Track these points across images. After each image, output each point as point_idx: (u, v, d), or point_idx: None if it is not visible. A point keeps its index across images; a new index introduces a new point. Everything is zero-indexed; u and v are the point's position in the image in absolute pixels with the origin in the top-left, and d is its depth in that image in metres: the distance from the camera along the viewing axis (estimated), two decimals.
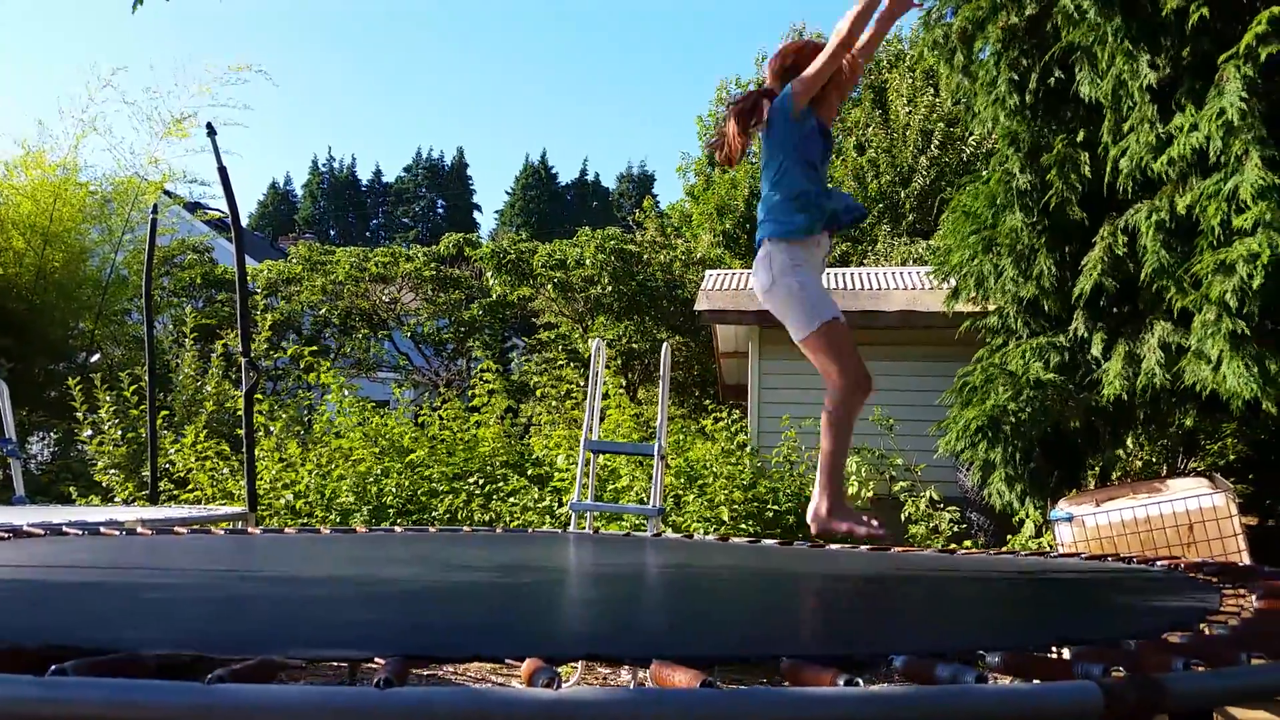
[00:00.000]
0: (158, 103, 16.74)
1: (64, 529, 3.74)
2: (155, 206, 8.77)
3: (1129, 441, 6.59)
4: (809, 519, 2.98)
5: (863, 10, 2.83)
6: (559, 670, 1.30)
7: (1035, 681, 1.41)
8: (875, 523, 2.86)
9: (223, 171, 5.95)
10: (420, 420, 8.21)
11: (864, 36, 2.93)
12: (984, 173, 6.49)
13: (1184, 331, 5.18)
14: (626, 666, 4.23)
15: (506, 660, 1.48)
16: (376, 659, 1.38)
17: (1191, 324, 5.06)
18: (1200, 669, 1.41)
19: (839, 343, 2.85)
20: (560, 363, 12.02)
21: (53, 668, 1.19)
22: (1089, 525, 5.04)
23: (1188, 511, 4.85)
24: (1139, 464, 7.24)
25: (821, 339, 2.84)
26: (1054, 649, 1.67)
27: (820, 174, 2.97)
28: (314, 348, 10.83)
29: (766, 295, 2.93)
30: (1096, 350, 5.60)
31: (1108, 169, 5.46)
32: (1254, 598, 2.23)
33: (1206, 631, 1.91)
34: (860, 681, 1.21)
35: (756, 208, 3.06)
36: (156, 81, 20.94)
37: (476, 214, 67.01)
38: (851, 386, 2.85)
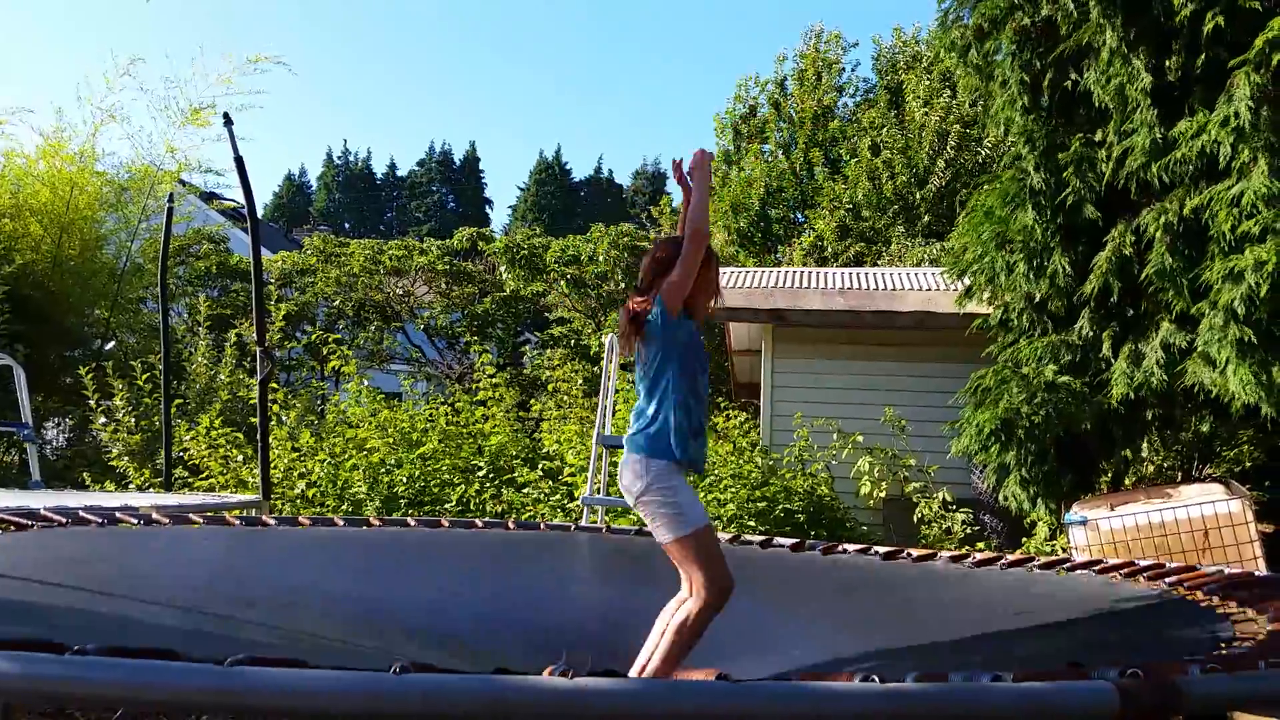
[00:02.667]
0: (175, 92, 16.79)
1: (81, 514, 3.76)
2: (171, 196, 8.82)
3: (1143, 446, 6.56)
4: None
5: (703, 200, 2.89)
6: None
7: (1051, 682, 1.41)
8: None
9: (239, 161, 5.96)
10: (429, 414, 8.22)
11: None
12: (1001, 174, 6.47)
13: (1187, 333, 5.17)
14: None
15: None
16: (393, 671, 1.39)
17: (1197, 326, 5.05)
18: (1216, 672, 1.41)
19: (707, 549, 2.80)
20: (572, 357, 12.05)
21: (74, 648, 1.20)
22: (1103, 529, 5.02)
23: (1203, 517, 4.83)
24: (1152, 469, 7.21)
25: (690, 545, 2.79)
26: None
27: (701, 390, 2.96)
28: (336, 336, 10.86)
29: (637, 500, 2.90)
30: (1106, 350, 5.59)
31: (1109, 169, 5.45)
32: (1265, 620, 2.21)
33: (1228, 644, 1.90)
34: (876, 679, 1.21)
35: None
36: (174, 71, 21.05)
37: (488, 209, 67.06)
38: (712, 597, 2.75)
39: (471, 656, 2.22)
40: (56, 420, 10.87)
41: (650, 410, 2.90)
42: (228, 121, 5.95)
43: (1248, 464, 7.47)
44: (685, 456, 2.85)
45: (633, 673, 2.71)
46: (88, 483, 8.28)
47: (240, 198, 6.21)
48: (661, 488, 2.82)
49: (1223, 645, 1.98)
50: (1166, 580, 3.08)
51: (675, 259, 2.90)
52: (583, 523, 5.43)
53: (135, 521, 3.89)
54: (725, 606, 2.73)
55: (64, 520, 3.67)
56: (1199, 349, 4.94)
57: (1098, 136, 5.66)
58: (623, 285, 13.63)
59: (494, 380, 8.42)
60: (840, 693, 1.19)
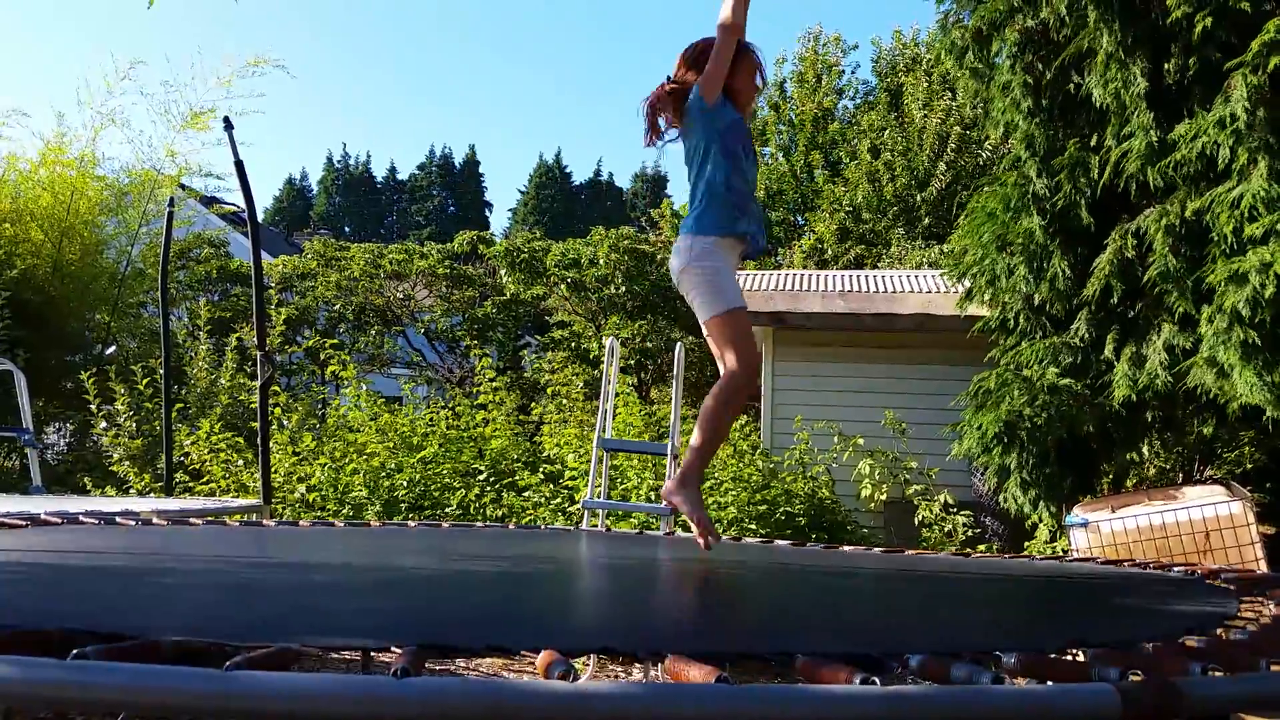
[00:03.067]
0: (175, 96, 16.84)
1: (81, 518, 3.76)
2: (171, 200, 8.82)
3: (1145, 448, 6.56)
4: (663, 490, 3.08)
5: None
6: (573, 664, 1.30)
7: (1051, 684, 1.41)
8: (707, 540, 2.96)
9: (239, 165, 5.96)
10: (430, 418, 8.23)
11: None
12: (1002, 176, 6.48)
13: (1189, 334, 5.18)
14: (639, 665, 4.23)
15: (522, 653, 1.49)
16: (392, 648, 1.39)
17: (1198, 328, 5.06)
18: (1218, 674, 1.40)
19: (739, 330, 2.92)
20: (571, 360, 12.04)
21: (74, 652, 1.20)
22: (1104, 531, 5.02)
23: (1204, 519, 4.82)
24: (1154, 471, 7.21)
25: (725, 323, 2.90)
26: (1071, 651, 1.67)
27: (745, 170, 3.01)
28: (334, 340, 10.86)
29: (679, 276, 3.00)
30: (1108, 352, 5.60)
31: (1107, 173, 5.47)
32: (1272, 605, 2.22)
33: (1224, 636, 1.90)
34: (877, 680, 1.21)
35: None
36: (174, 75, 21.06)
37: (488, 212, 67.16)
38: (742, 374, 2.89)
39: (470, 655, 2.22)
40: (57, 425, 10.88)
41: (695, 193, 2.97)
42: (228, 125, 5.95)
43: (1249, 466, 7.48)
44: (728, 231, 2.91)
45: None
46: (88, 487, 8.29)
47: (240, 202, 6.22)
48: (701, 265, 2.90)
49: (1226, 621, 1.98)
50: (1176, 569, 3.08)
51: (709, 52, 2.94)
52: (583, 526, 5.43)
53: (135, 524, 3.89)
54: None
55: (62, 523, 3.67)
56: (1204, 352, 4.95)
57: (1094, 141, 5.68)
58: (623, 288, 13.65)
59: (494, 384, 8.42)
60: (840, 695, 1.19)
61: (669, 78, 3.10)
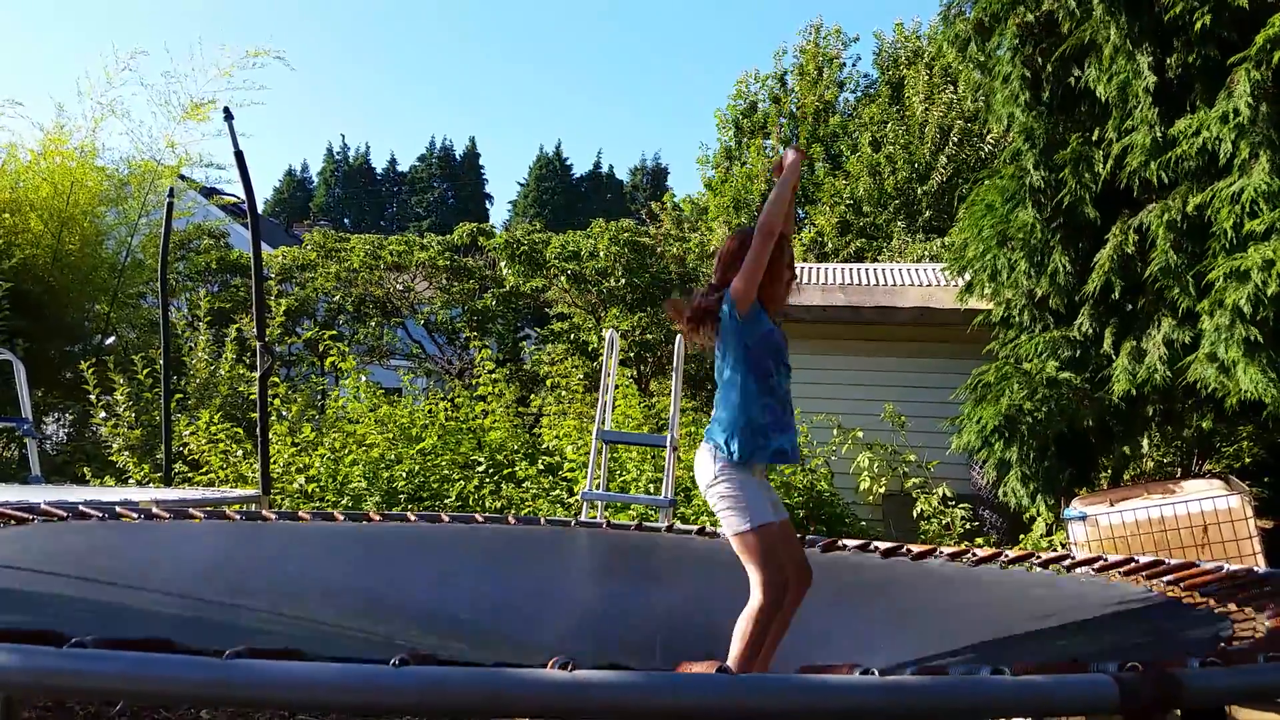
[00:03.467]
0: (175, 86, 16.77)
1: (81, 508, 3.76)
2: (171, 190, 8.80)
3: (1144, 442, 6.56)
4: None
5: (782, 196, 2.85)
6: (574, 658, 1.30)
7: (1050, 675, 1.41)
8: None
9: (239, 156, 5.95)
10: (429, 409, 8.22)
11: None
12: (1001, 169, 6.47)
13: (1188, 329, 5.18)
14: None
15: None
16: (392, 663, 1.39)
17: (1198, 323, 5.06)
18: (1215, 666, 1.40)
19: (764, 549, 2.78)
20: (571, 353, 12.03)
21: (72, 640, 1.20)
22: (1103, 524, 5.02)
23: (1203, 513, 4.83)
24: (1152, 465, 7.21)
25: (750, 541, 2.78)
26: None
27: (777, 387, 2.95)
28: (332, 332, 10.85)
29: (707, 489, 2.90)
30: (1107, 346, 5.60)
31: (1109, 167, 5.45)
32: (1264, 618, 2.20)
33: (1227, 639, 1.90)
34: (876, 671, 1.21)
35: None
36: (173, 65, 20.99)
37: (488, 204, 67.10)
38: (765, 598, 2.75)
39: (471, 647, 2.22)
40: (56, 415, 10.86)
41: (723, 407, 2.91)
42: (228, 116, 5.93)
43: (1247, 460, 7.48)
44: (751, 457, 2.84)
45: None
46: (88, 478, 8.28)
47: (240, 192, 6.21)
48: (726, 482, 2.83)
49: (1222, 644, 1.98)
50: (1165, 579, 3.08)
51: (743, 253, 2.86)
52: (582, 518, 5.43)
53: (135, 516, 3.89)
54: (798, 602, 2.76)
55: (64, 515, 3.67)
56: (1205, 348, 4.95)
57: (1096, 135, 5.66)
58: (623, 280, 13.62)
59: (493, 375, 8.41)
60: (839, 685, 1.19)
61: (711, 284, 3.02)
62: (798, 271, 3.09)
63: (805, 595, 2.84)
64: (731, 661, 2.71)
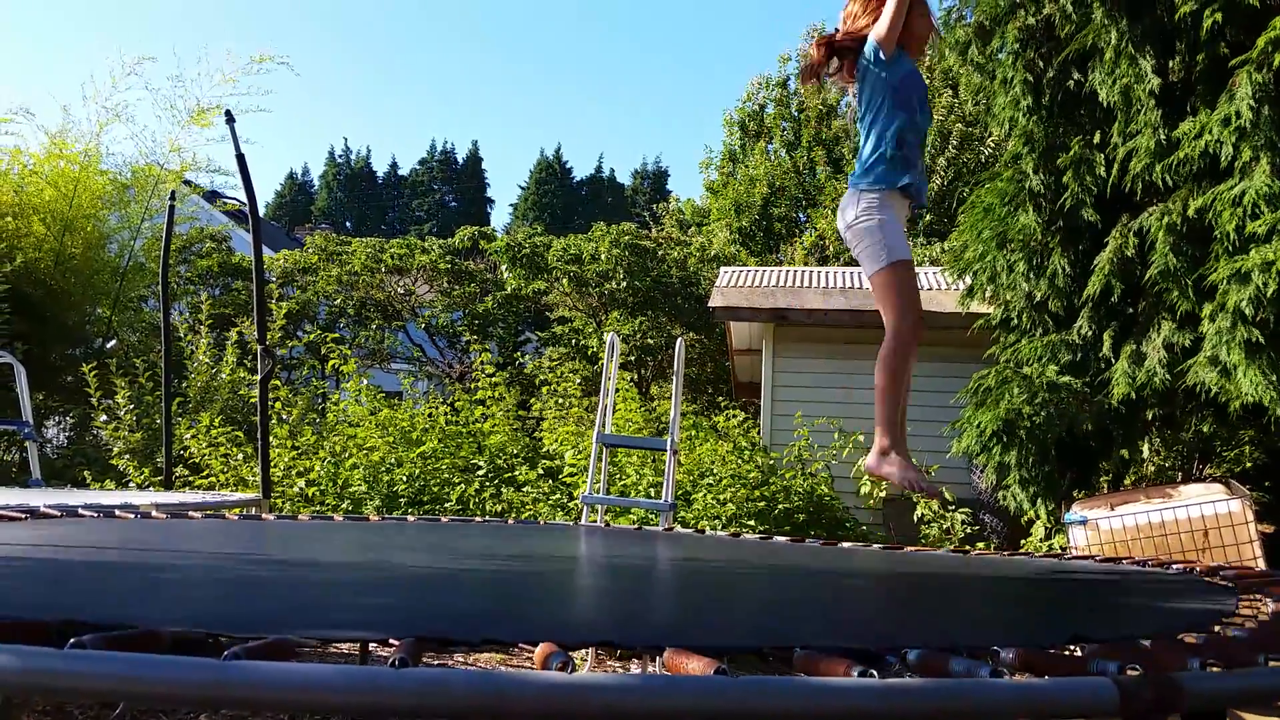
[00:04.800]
0: (180, 91, 16.78)
1: (80, 511, 3.76)
2: (173, 194, 8.81)
3: (1144, 446, 6.56)
4: (865, 465, 3.03)
5: None
6: (572, 657, 1.30)
7: (1049, 678, 1.41)
8: (924, 485, 2.85)
9: (241, 159, 5.96)
10: (429, 413, 8.22)
11: None
12: (1001, 171, 6.48)
13: (1188, 332, 5.18)
14: (636, 661, 4.23)
15: (520, 645, 1.49)
16: (391, 640, 1.39)
17: (1200, 326, 5.06)
18: (1217, 669, 1.40)
19: (902, 285, 2.88)
20: (571, 356, 12.04)
21: (71, 641, 1.19)
22: (1103, 528, 5.02)
23: (1203, 517, 4.82)
24: (1152, 469, 7.21)
25: (887, 277, 2.87)
26: (1069, 648, 1.67)
27: (920, 125, 2.97)
28: (335, 335, 10.84)
29: (848, 230, 2.96)
30: (1107, 350, 5.60)
31: (1115, 171, 5.46)
32: (1270, 602, 2.22)
33: (1222, 633, 1.89)
34: (875, 674, 1.21)
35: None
36: (179, 69, 21.10)
37: (489, 208, 67.18)
38: (903, 331, 2.90)
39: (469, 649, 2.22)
40: (57, 419, 10.87)
41: (866, 146, 2.94)
42: (230, 119, 5.94)
43: (1248, 464, 7.48)
44: (895, 184, 2.87)
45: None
46: (88, 481, 8.29)
47: (242, 196, 6.21)
48: (868, 219, 2.87)
49: (1221, 620, 1.98)
50: (1173, 567, 3.08)
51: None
52: (582, 522, 5.43)
53: (133, 518, 3.89)
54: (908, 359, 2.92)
55: (60, 516, 3.67)
56: (1206, 351, 4.95)
57: (1097, 138, 5.66)
58: (624, 284, 13.64)
59: (493, 380, 8.42)
60: (838, 688, 1.19)
61: (838, 27, 3.05)
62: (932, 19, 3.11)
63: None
64: (878, 392, 2.90)
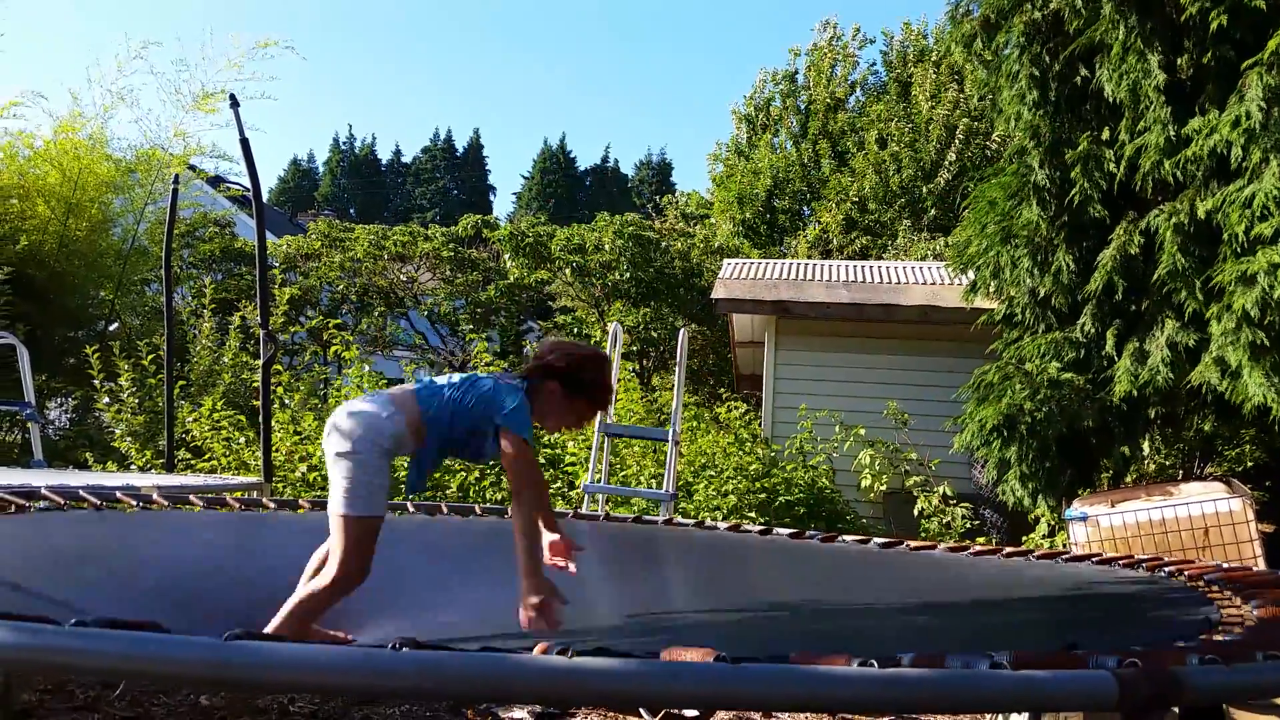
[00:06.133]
0: (185, 76, 16.76)
1: (81, 493, 3.77)
2: (177, 177, 8.79)
3: (1145, 444, 6.56)
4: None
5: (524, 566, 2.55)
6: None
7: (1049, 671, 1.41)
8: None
9: (245, 143, 5.95)
10: None
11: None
12: (1005, 166, 6.46)
13: (1193, 332, 5.17)
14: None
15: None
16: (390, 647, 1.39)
17: (1206, 327, 5.05)
18: (1215, 664, 1.40)
19: (361, 540, 2.59)
20: None
21: (73, 619, 1.20)
22: (1104, 526, 5.02)
23: (1204, 515, 4.82)
24: (1153, 467, 7.21)
25: (351, 527, 2.59)
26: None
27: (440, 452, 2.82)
28: (338, 321, 10.85)
29: (334, 441, 2.68)
30: (1110, 347, 5.59)
31: (1123, 168, 5.44)
32: (1251, 607, 2.20)
33: (1214, 640, 1.90)
34: (875, 663, 1.21)
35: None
36: (184, 54, 21.06)
37: (491, 196, 67.12)
38: (334, 580, 2.57)
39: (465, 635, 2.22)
40: (59, 400, 10.89)
41: (448, 408, 2.73)
42: (234, 103, 5.93)
43: (1249, 463, 7.47)
44: (409, 470, 2.77)
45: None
46: (89, 463, 8.29)
47: (246, 181, 6.20)
48: (367, 453, 2.64)
49: (1214, 628, 1.98)
50: (1165, 569, 3.08)
51: (577, 373, 2.75)
52: (582, 510, 5.43)
53: (134, 504, 3.89)
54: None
55: (62, 501, 3.67)
56: (1213, 351, 4.94)
57: (1105, 134, 5.64)
58: (627, 274, 13.62)
59: (491, 369, 8.42)
60: (838, 676, 1.19)
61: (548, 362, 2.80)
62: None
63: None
64: (278, 624, 2.54)
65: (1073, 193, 5.64)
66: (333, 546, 2.60)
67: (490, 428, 2.67)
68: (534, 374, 2.77)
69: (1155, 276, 5.28)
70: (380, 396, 2.75)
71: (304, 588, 2.66)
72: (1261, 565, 4.61)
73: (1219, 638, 1.86)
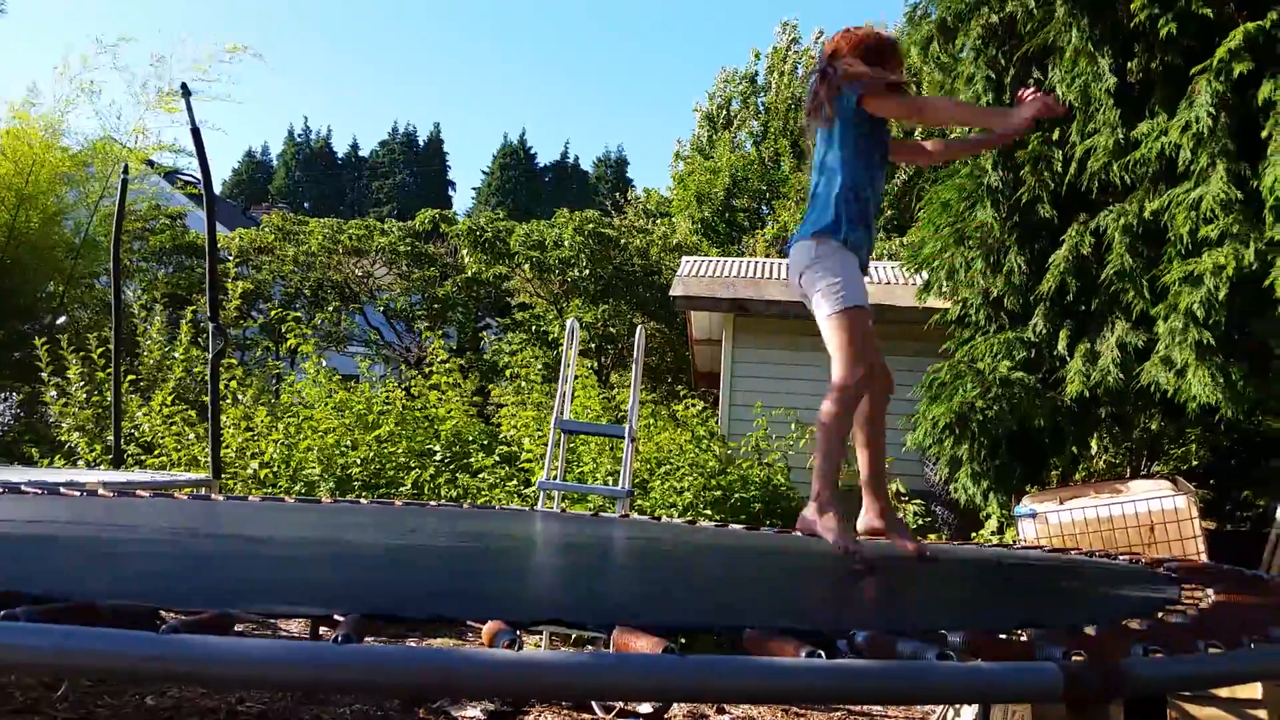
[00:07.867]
0: (151, 74, 16.40)
1: (23, 488, 3.68)
2: (126, 167, 8.64)
3: (1093, 443, 6.66)
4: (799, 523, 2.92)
5: (963, 119, 3.31)
6: (520, 635, 1.29)
7: (996, 662, 1.42)
8: (850, 547, 2.70)
9: (196, 133, 5.88)
10: (386, 396, 8.15)
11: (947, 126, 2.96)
12: (959, 167, 6.52)
13: (1141, 332, 5.26)
14: (590, 649, 4.23)
15: (468, 623, 1.47)
16: (336, 616, 1.37)
17: (1153, 327, 5.14)
18: (1158, 656, 1.42)
19: (850, 333, 2.78)
20: (532, 343, 11.99)
21: (3, 613, 1.16)
22: (1052, 522, 5.09)
23: (1150, 512, 4.90)
24: (1102, 465, 7.32)
25: (837, 321, 2.79)
26: (1017, 633, 1.68)
27: (875, 184, 2.94)
28: (296, 314, 10.71)
29: (801, 278, 2.90)
30: (1061, 348, 5.67)
31: (1072, 169, 5.52)
32: (1210, 592, 2.26)
33: (1166, 620, 1.93)
34: (823, 654, 1.21)
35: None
36: (150, 51, 20.65)
37: (451, 191, 66.71)
38: (841, 384, 2.79)
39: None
40: (4, 395, 10.65)
41: (819, 191, 2.90)
42: (185, 92, 5.85)
43: (1195, 462, 7.61)
44: (845, 237, 2.84)
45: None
46: (35, 458, 8.12)
47: (198, 173, 6.11)
48: (821, 264, 2.83)
49: (1169, 607, 2.01)
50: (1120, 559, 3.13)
51: (875, 61, 2.94)
52: (539, 507, 5.41)
53: (78, 495, 3.81)
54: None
55: (3, 492, 3.59)
56: (1160, 351, 5.03)
57: (1056, 135, 5.72)
58: (586, 271, 13.60)
59: (447, 365, 8.36)
60: (787, 668, 1.19)
61: (828, 63, 2.95)
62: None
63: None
64: (819, 449, 2.83)
65: (1021, 191, 5.72)
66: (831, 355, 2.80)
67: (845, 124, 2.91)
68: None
69: (1104, 277, 5.36)
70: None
71: (821, 406, 2.84)
72: (1205, 561, 4.69)
73: (1175, 619, 1.89)
